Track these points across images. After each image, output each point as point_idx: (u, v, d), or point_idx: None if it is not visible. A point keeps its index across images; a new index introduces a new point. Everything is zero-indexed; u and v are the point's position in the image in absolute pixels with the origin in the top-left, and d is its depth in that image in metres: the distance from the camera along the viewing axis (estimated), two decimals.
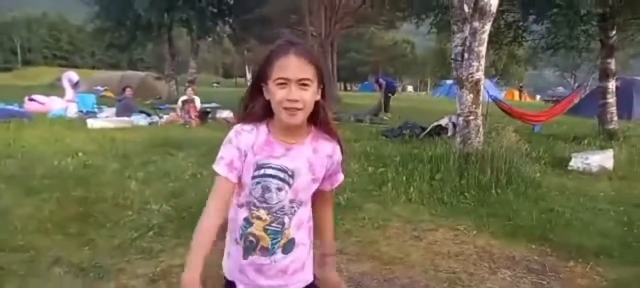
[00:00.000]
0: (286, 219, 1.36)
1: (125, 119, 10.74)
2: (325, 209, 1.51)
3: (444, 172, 5.37)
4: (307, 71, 1.25)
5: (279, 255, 1.37)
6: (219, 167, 1.30)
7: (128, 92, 12.21)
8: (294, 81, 1.23)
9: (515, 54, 23.51)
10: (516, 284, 3.01)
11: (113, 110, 11.99)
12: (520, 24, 11.59)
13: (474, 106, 5.93)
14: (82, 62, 70.82)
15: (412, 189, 4.92)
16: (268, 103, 1.30)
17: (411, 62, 63.00)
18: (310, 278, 1.46)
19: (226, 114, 12.42)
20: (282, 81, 1.23)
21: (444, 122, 9.07)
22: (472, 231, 3.93)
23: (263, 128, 1.33)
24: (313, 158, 1.34)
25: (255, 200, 1.33)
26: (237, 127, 1.33)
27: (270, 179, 1.31)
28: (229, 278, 1.44)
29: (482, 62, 5.91)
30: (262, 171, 1.30)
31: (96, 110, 12.29)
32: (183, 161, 6.26)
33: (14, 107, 11.51)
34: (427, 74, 66.05)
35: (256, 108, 1.32)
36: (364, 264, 3.21)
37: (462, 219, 4.22)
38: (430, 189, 5.00)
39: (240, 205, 1.36)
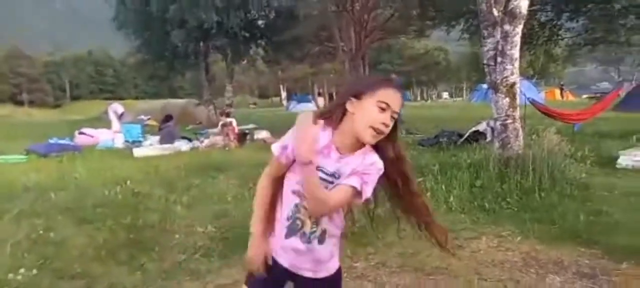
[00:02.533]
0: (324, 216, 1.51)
1: (169, 145, 11.14)
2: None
3: (484, 178, 5.30)
4: (400, 107, 1.46)
5: (315, 244, 1.53)
6: (275, 147, 1.52)
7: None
8: (391, 110, 1.43)
9: (553, 52, 22.70)
10: None
11: (157, 138, 12.47)
12: (555, 22, 11.29)
13: (510, 109, 5.84)
14: (126, 93, 73.91)
15: (452, 198, 4.87)
16: (344, 114, 1.47)
17: (445, 69, 61.99)
18: (336, 265, 1.63)
19: (264, 134, 12.67)
20: (384, 106, 1.42)
21: (481, 127, 8.93)
22: (516, 237, 3.85)
23: (328, 133, 1.48)
24: (359, 167, 1.46)
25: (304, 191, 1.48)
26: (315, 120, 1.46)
27: (320, 182, 1.43)
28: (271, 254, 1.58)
29: (516, 64, 5.83)
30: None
31: (142, 139, 12.78)
32: (224, 183, 6.44)
33: (66, 141, 12.16)
34: (463, 79, 64.84)
35: (337, 113, 1.49)
36: (407, 275, 3.21)
37: (506, 225, 4.14)
38: (470, 196, 4.93)
39: (294, 192, 1.50)
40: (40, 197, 5.77)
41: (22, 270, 2.97)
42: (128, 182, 6.37)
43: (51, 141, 11.82)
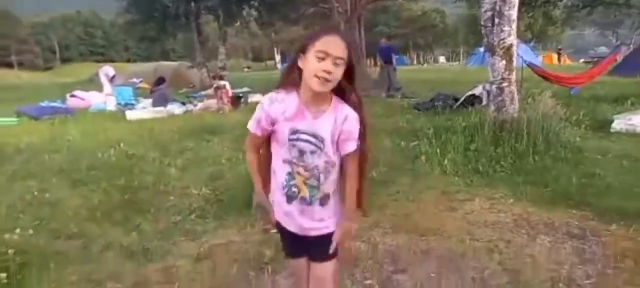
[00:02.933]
0: (322, 177, 1.62)
1: (162, 108, 11.04)
2: (345, 178, 1.67)
3: (479, 141, 5.31)
4: (343, 52, 1.49)
5: (316, 206, 1.66)
6: (250, 124, 1.62)
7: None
8: (332, 57, 1.47)
9: (551, 14, 22.41)
10: (556, 250, 2.97)
11: (149, 101, 12.34)
12: None
13: (507, 72, 5.79)
14: (117, 56, 72.81)
15: (446, 161, 4.89)
16: (301, 72, 1.53)
17: (442, 32, 61.21)
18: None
19: (258, 97, 12.58)
20: (322, 55, 1.47)
21: (477, 91, 8.89)
22: (508, 199, 3.89)
23: (294, 96, 1.56)
24: (334, 126, 1.57)
25: (294, 159, 1.59)
26: (272, 95, 1.58)
27: (305, 144, 1.56)
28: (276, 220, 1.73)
29: (514, 26, 5.74)
30: (296, 135, 1.56)
31: (134, 102, 12.64)
32: (219, 146, 6.43)
33: (58, 104, 12.02)
34: (460, 43, 64.16)
35: (293, 75, 1.56)
36: (400, 236, 3.24)
37: (499, 188, 4.17)
38: (464, 160, 4.95)
39: (284, 162, 1.61)
40: (33, 159, 5.75)
41: (18, 230, 2.97)
42: (121, 145, 6.34)
43: (42, 104, 11.68)
